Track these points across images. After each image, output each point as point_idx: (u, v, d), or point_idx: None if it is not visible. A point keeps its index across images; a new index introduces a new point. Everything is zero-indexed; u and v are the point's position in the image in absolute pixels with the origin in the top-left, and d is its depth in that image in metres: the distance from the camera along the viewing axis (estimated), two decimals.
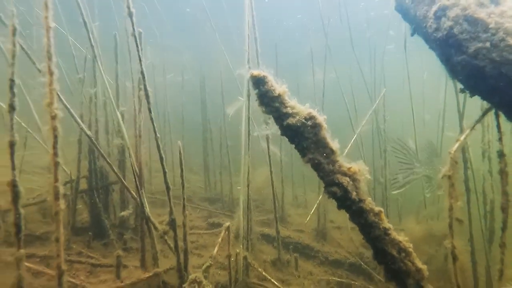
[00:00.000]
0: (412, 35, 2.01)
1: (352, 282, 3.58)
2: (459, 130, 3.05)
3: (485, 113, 1.59)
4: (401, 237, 1.88)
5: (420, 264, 1.88)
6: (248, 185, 3.19)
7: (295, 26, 15.23)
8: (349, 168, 1.77)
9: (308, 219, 3.85)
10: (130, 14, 1.97)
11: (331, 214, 4.83)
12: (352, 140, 3.72)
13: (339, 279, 3.59)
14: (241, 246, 3.01)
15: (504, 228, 1.57)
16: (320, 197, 3.93)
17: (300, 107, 1.79)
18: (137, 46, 2.04)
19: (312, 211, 3.85)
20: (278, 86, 1.78)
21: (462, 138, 1.46)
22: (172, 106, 6.41)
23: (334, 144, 1.82)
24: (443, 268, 3.42)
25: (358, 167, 1.82)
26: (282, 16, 14.47)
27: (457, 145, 1.41)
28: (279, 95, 1.77)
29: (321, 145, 1.78)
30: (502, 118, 1.64)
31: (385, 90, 4.15)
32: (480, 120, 1.58)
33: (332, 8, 4.92)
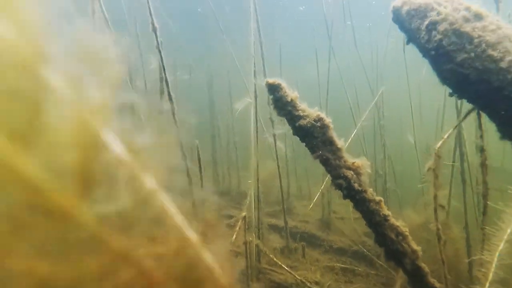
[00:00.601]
0: (407, 43, 2.26)
1: (355, 268, 3.85)
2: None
3: (467, 114, 1.85)
4: (398, 223, 2.15)
5: (415, 246, 2.15)
6: (258, 179, 3.46)
7: (295, 20, 15.38)
8: (353, 163, 2.03)
9: (311, 207, 4.10)
10: (155, 30, 2.22)
11: (334, 206, 5.09)
12: (353, 135, 3.97)
13: (343, 265, 3.87)
14: (253, 234, 3.28)
15: (484, 213, 1.83)
16: (322, 187, 4.18)
17: (309, 110, 2.04)
18: (161, 58, 2.29)
19: (314, 200, 4.10)
20: (291, 92, 2.04)
21: (446, 136, 1.72)
22: (180, 104, 6.64)
23: (340, 142, 2.09)
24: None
25: (361, 162, 2.08)
26: (282, 10, 14.63)
27: (441, 142, 1.66)
28: (292, 100, 2.03)
29: (329, 143, 2.04)
30: (485, 118, 1.90)
31: (384, 88, 4.39)
32: (462, 120, 1.83)
33: (336, 7, 5.13)
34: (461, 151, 3.28)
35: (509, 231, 1.29)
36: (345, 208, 5.11)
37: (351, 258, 4.08)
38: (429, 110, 5.12)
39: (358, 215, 4.48)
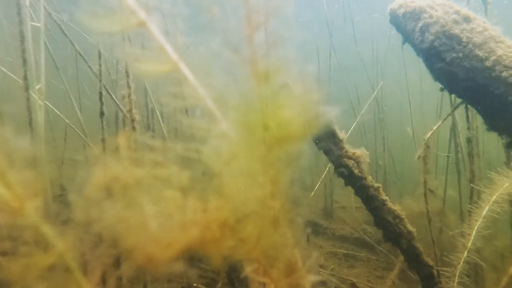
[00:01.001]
0: (403, 43, 2.46)
1: (357, 254, 4.08)
2: (452, 118, 3.50)
3: (455, 107, 2.05)
4: (395, 207, 2.37)
5: (410, 228, 2.37)
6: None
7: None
8: (353, 153, 2.25)
9: (315, 198, 4.31)
10: None
11: (336, 196, 5.32)
12: (353, 127, 4.17)
13: (345, 251, 4.10)
14: None
15: (471, 196, 2.04)
16: (322, 176, 4.37)
17: None
18: None
19: (316, 188, 4.30)
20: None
21: (434, 127, 1.92)
22: None
23: (342, 134, 2.30)
24: (436, 239, 3.90)
25: (361, 152, 2.30)
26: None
27: (430, 133, 1.87)
28: None
29: (332, 136, 2.26)
30: (472, 111, 2.10)
31: (382, 83, 4.59)
32: (451, 113, 2.03)
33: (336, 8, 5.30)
34: (455, 143, 3.48)
35: (487, 208, 1.50)
36: (346, 198, 5.33)
37: (353, 245, 4.31)
38: (429, 104, 5.30)
39: (358, 204, 4.69)
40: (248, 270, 0.79)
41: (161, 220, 0.71)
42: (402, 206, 2.65)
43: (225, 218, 0.74)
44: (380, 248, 4.07)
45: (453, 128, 3.37)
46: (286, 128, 0.75)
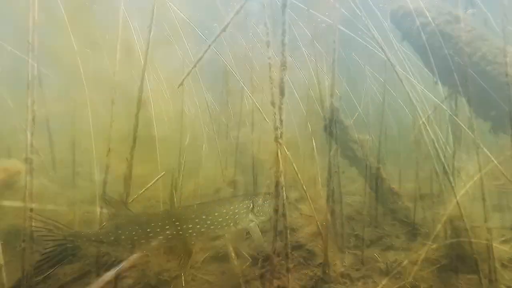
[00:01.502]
0: (402, 40, 2.76)
1: (362, 234, 4.41)
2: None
3: (447, 97, 2.36)
4: (394, 186, 2.70)
5: (407, 203, 2.70)
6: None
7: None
8: (357, 137, 2.57)
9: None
10: None
11: (342, 183, 5.63)
12: (355, 117, 4.45)
13: (351, 231, 4.44)
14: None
15: (456, 173, 2.35)
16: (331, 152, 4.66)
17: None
18: None
19: (318, 174, 4.59)
20: None
21: (430, 113, 2.23)
22: None
23: (347, 122, 2.63)
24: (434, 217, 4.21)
25: (364, 137, 2.62)
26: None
27: (424, 118, 2.16)
28: None
29: (338, 123, 2.58)
30: (462, 100, 2.41)
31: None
32: (443, 101, 2.34)
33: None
34: (453, 127, 3.76)
35: (470, 183, 1.82)
36: (351, 186, 5.64)
37: (358, 225, 4.64)
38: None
39: (362, 190, 4.98)
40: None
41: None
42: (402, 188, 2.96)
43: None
44: (384, 228, 4.39)
45: (450, 117, 3.66)
46: None
